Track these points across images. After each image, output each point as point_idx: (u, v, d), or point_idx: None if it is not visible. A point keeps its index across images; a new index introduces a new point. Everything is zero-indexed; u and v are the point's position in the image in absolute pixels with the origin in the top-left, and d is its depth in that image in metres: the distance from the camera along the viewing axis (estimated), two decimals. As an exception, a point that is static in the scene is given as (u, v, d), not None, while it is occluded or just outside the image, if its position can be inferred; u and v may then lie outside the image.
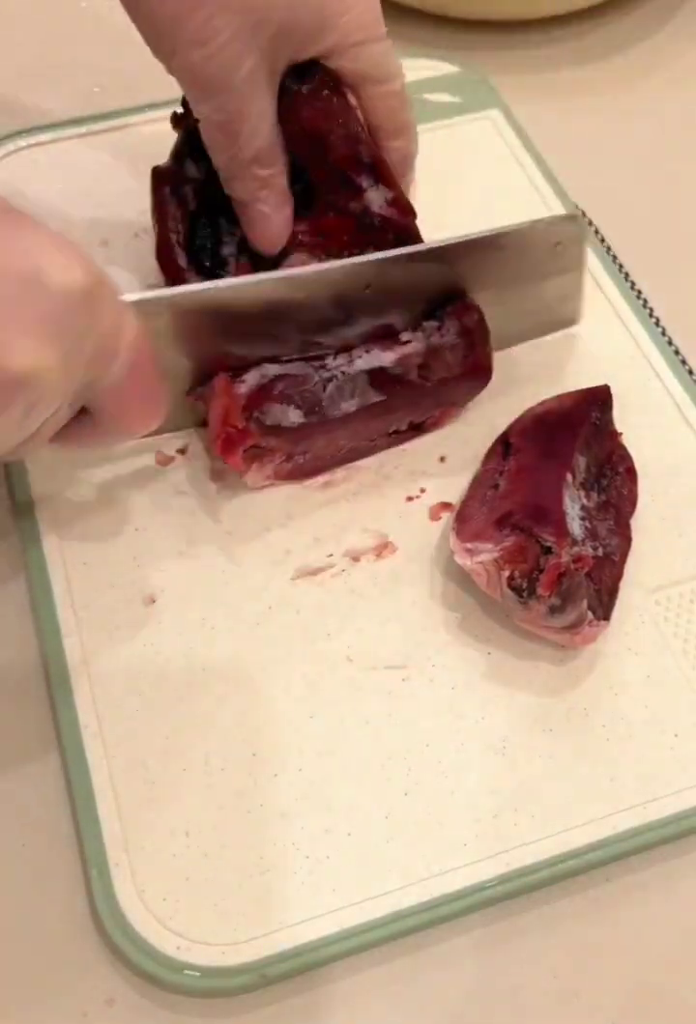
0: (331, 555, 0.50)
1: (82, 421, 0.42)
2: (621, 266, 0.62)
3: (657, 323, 0.60)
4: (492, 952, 0.42)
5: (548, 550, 0.45)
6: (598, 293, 0.60)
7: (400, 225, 0.53)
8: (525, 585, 0.45)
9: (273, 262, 0.52)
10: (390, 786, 0.44)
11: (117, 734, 0.45)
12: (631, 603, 0.49)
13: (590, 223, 0.64)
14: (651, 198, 0.67)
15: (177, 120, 0.53)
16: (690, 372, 0.57)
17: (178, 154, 0.54)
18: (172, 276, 0.53)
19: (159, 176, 0.54)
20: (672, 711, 0.46)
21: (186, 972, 0.40)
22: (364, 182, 0.51)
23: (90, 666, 0.46)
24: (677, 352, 0.58)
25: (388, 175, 0.52)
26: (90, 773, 0.44)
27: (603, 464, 0.51)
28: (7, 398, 0.36)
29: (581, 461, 0.49)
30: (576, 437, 0.50)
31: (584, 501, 0.49)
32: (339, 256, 0.52)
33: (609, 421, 0.53)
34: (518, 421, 0.52)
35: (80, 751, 0.44)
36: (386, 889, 0.42)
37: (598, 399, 0.53)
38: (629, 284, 0.61)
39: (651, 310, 0.60)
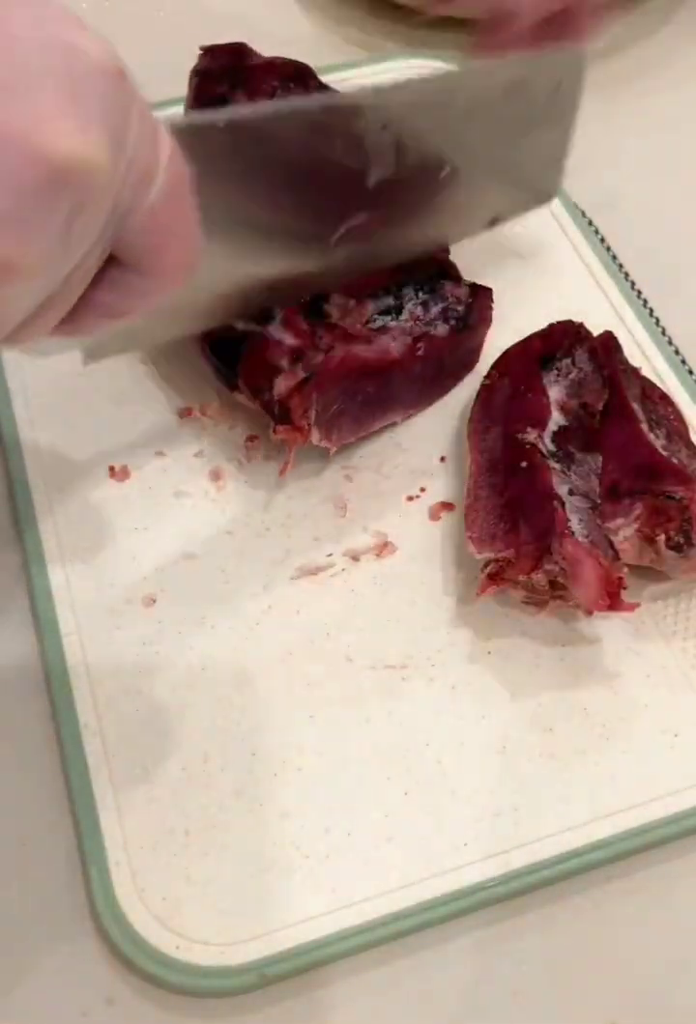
0: (331, 555, 0.50)
1: (107, 278, 0.34)
2: (621, 266, 0.62)
3: (657, 323, 0.60)
4: (492, 952, 0.42)
5: (678, 499, 0.47)
6: (598, 293, 0.60)
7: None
8: (682, 539, 0.46)
9: None
10: (390, 786, 0.44)
11: (117, 734, 0.45)
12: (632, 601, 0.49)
13: (590, 223, 0.64)
14: (651, 198, 0.67)
15: None
16: (690, 372, 0.58)
17: None
18: None
19: None
20: (672, 711, 0.46)
21: (186, 972, 0.40)
22: None
23: (90, 666, 0.46)
24: (677, 352, 0.58)
25: None
26: (90, 773, 0.43)
27: (645, 399, 0.52)
28: (50, 196, 0.29)
29: (638, 407, 0.51)
30: (626, 387, 0.51)
31: (664, 441, 0.50)
32: (375, 295, 0.53)
33: (624, 360, 0.54)
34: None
35: (80, 751, 0.44)
36: (386, 889, 0.42)
37: (608, 345, 0.54)
38: (629, 284, 0.61)
39: (651, 310, 0.60)
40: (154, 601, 0.48)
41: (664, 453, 0.49)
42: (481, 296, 0.55)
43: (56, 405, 0.54)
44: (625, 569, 0.46)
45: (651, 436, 0.50)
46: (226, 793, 0.44)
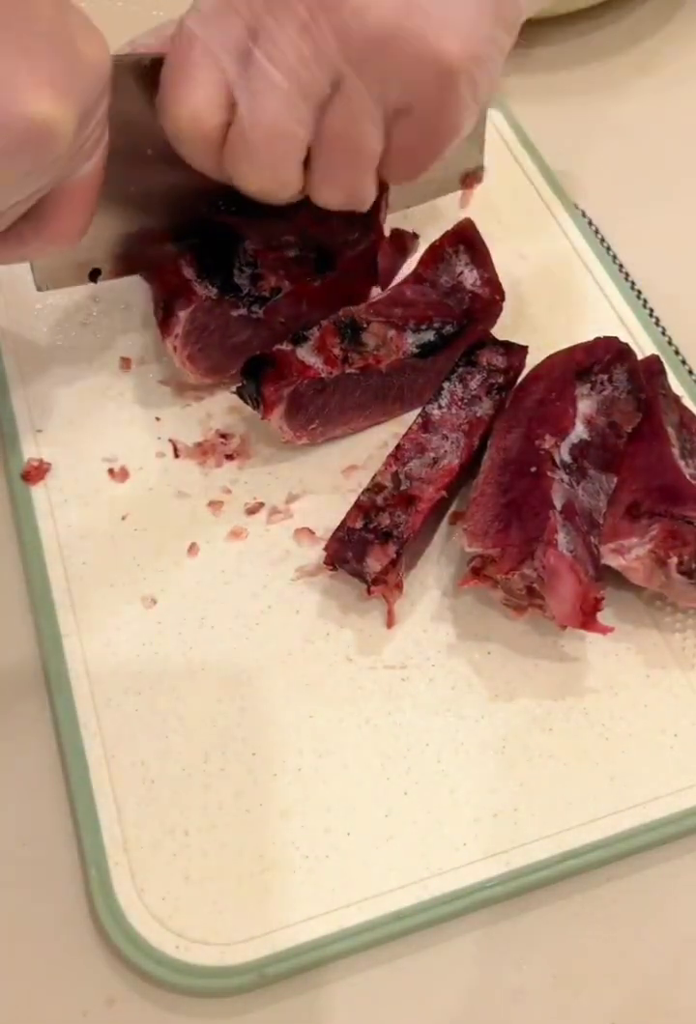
0: (331, 555, 0.50)
1: (19, 227, 0.42)
2: (621, 266, 0.62)
3: (657, 323, 0.60)
4: (492, 952, 0.42)
5: (695, 524, 0.46)
6: (598, 293, 0.60)
7: (486, 302, 0.55)
8: (695, 565, 0.46)
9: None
10: (390, 786, 0.44)
11: (117, 734, 0.45)
12: (631, 603, 0.49)
13: (590, 223, 0.64)
14: (651, 198, 0.67)
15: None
16: (690, 372, 0.58)
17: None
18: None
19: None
20: (672, 711, 0.46)
21: (186, 972, 0.40)
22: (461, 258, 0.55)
23: (90, 666, 0.46)
24: (677, 352, 0.58)
25: (483, 256, 0.56)
26: (90, 773, 0.44)
27: (682, 428, 0.52)
28: (21, 147, 0.37)
29: (672, 433, 0.50)
30: (663, 411, 0.51)
31: (694, 470, 0.49)
32: (417, 328, 0.53)
33: (666, 385, 0.54)
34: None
35: (80, 751, 0.44)
36: (386, 889, 0.42)
37: (651, 369, 0.54)
38: (629, 284, 0.61)
39: (651, 310, 0.60)
40: (154, 602, 0.48)
41: (693, 481, 0.49)
42: (516, 355, 0.54)
43: (57, 406, 0.54)
44: (603, 591, 0.46)
45: (681, 463, 0.49)
46: (226, 793, 0.44)
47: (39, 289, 0.52)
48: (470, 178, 0.61)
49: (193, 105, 0.44)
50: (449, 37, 0.44)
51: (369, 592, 0.47)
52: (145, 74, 0.46)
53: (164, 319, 0.52)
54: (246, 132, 0.44)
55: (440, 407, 0.52)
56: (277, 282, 0.53)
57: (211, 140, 0.45)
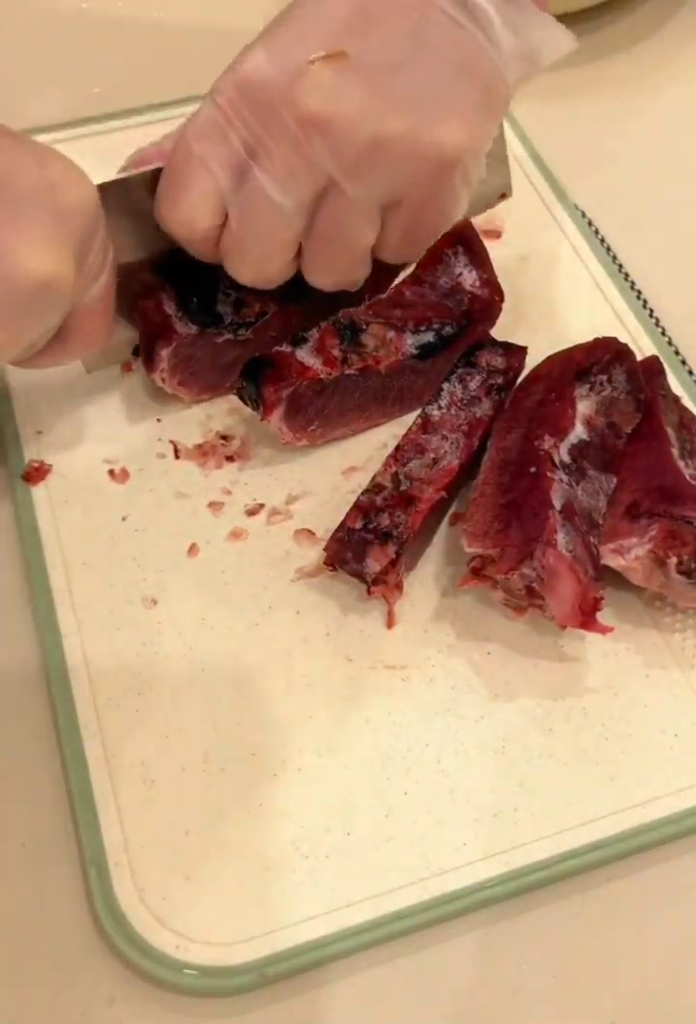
0: (331, 555, 0.50)
1: (50, 346, 0.46)
2: (621, 266, 0.62)
3: (657, 323, 0.60)
4: (492, 952, 0.42)
5: (695, 524, 0.46)
6: (597, 293, 0.60)
7: (486, 302, 0.55)
8: (694, 565, 0.46)
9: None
10: (390, 786, 0.44)
11: (117, 734, 0.45)
12: (631, 603, 0.49)
13: (590, 223, 0.64)
14: (651, 198, 0.67)
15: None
16: (690, 373, 0.58)
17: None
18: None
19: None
20: (672, 711, 0.46)
21: (186, 972, 0.40)
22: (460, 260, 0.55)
23: (90, 666, 0.46)
24: (677, 352, 0.58)
25: (482, 257, 0.56)
26: (90, 773, 0.44)
27: (682, 429, 0.52)
28: (30, 302, 0.40)
29: (672, 433, 0.50)
30: (662, 411, 0.51)
31: (693, 471, 0.49)
32: (416, 329, 0.53)
33: (666, 386, 0.53)
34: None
35: (80, 751, 0.44)
36: (386, 889, 0.42)
37: (651, 369, 0.54)
38: (629, 284, 0.61)
39: (651, 311, 0.60)
40: (155, 602, 0.48)
41: (692, 482, 0.49)
42: (515, 356, 0.54)
43: (58, 407, 0.54)
44: (603, 591, 0.46)
45: (681, 463, 0.50)
46: (226, 793, 0.44)
47: (88, 372, 0.54)
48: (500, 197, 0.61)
49: (185, 212, 0.48)
50: (444, 132, 0.46)
51: (369, 592, 0.47)
52: (147, 184, 0.50)
53: (147, 358, 0.52)
54: (237, 239, 0.48)
55: (440, 408, 0.52)
56: (262, 306, 0.53)
57: (205, 240, 0.49)
